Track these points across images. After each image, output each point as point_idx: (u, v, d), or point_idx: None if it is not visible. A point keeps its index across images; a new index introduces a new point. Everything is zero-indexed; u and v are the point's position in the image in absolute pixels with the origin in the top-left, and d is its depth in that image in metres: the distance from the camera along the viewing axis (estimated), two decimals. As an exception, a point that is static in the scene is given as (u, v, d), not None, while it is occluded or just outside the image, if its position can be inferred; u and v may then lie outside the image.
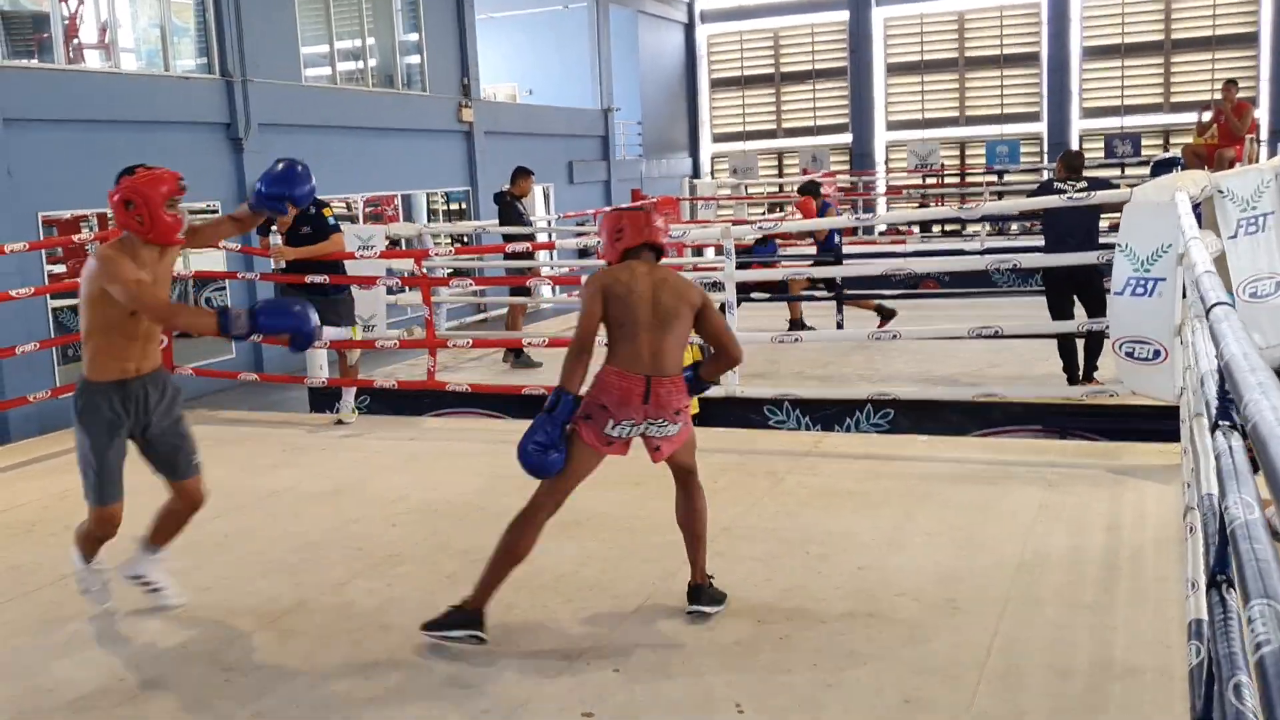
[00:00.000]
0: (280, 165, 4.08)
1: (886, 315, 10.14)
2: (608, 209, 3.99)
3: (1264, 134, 23.11)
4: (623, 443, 3.93)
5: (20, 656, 3.91)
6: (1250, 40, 26.65)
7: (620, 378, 3.86)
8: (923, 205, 23.18)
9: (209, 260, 14.91)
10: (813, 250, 11.99)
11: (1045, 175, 23.91)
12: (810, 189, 11.50)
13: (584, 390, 3.91)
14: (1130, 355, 5.64)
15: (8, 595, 4.49)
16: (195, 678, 3.66)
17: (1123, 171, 20.73)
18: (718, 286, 7.30)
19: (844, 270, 9.75)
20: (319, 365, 8.27)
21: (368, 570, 4.58)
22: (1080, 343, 7.33)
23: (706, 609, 3.96)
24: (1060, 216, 7.13)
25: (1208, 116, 13.52)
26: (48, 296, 13.91)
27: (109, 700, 3.53)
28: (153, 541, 4.14)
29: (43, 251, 13.80)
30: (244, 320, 3.71)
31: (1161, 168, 11.95)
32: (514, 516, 3.89)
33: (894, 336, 7.38)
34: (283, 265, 7.50)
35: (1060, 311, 7.27)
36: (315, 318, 3.87)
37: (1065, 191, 6.91)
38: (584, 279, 4.23)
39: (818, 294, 10.23)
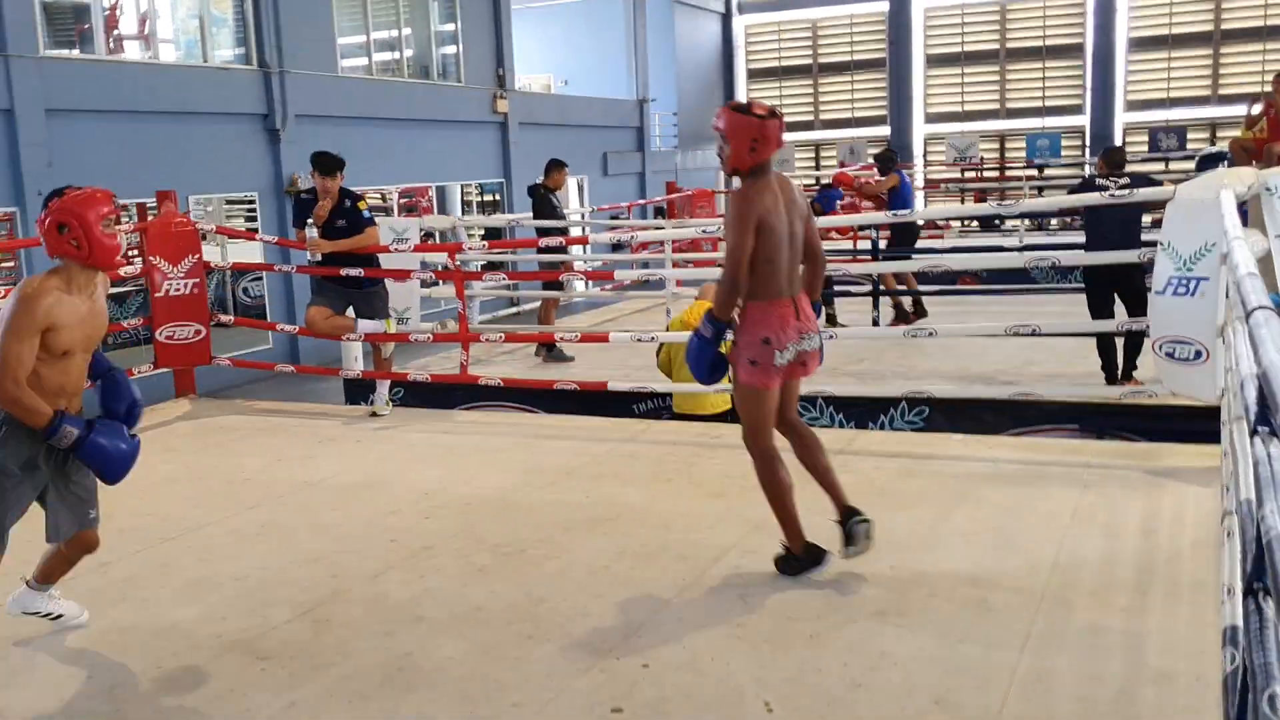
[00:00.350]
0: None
1: (902, 316, 10.09)
2: (728, 107, 4.03)
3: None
4: (787, 369, 4.09)
5: (58, 642, 3.96)
6: (1303, 31, 26.25)
7: (772, 305, 4.01)
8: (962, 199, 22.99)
9: (246, 252, 15.06)
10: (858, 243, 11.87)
11: (1087, 170, 23.73)
12: (888, 160, 11.25)
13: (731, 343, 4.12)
14: (1171, 356, 5.58)
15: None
16: (231, 666, 3.70)
17: (1166, 166, 20.48)
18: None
19: (879, 267, 9.71)
20: (354, 357, 8.32)
21: (402, 562, 4.62)
22: (1120, 342, 7.26)
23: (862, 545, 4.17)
24: (1101, 214, 7.06)
25: (1257, 109, 13.28)
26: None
27: (146, 688, 3.57)
28: (42, 581, 3.96)
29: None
30: (71, 438, 3.55)
31: (1208, 162, 11.77)
32: (755, 466, 4.15)
33: (930, 334, 7.33)
34: (318, 258, 7.55)
35: (1100, 310, 7.20)
36: (127, 468, 3.72)
37: (1107, 188, 6.84)
38: (730, 199, 4.08)
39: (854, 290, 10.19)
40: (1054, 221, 21.24)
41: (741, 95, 32.13)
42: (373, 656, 3.73)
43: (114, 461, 3.67)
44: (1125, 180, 7.02)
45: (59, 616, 4.03)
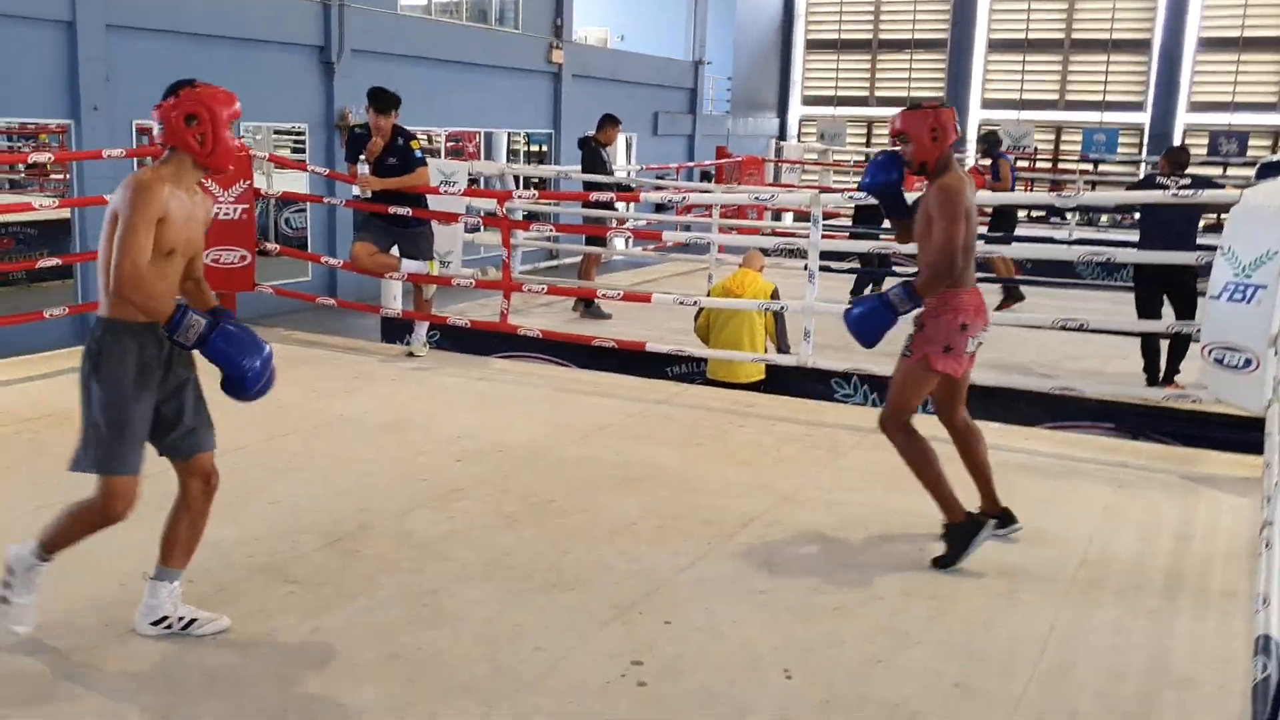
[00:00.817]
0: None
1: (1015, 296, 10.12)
2: (905, 108, 4.32)
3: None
4: (968, 358, 4.25)
5: (93, 549, 4.02)
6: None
7: (971, 294, 4.19)
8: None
9: (295, 182, 15.10)
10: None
11: (1142, 169, 23.40)
12: (994, 142, 11.14)
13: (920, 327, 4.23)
14: (1220, 362, 5.50)
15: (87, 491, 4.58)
16: (260, 587, 3.75)
17: (1224, 171, 20.17)
18: (800, 254, 7.23)
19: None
20: (394, 296, 8.35)
21: (431, 502, 4.65)
22: (1165, 343, 7.17)
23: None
24: (1159, 213, 6.96)
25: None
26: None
27: (174, 603, 3.62)
28: (168, 563, 3.43)
29: (134, 160, 14.03)
30: (195, 331, 3.16)
31: (1269, 170, 11.59)
32: (897, 446, 4.23)
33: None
34: (368, 194, 7.56)
35: (1148, 309, 7.11)
36: (265, 383, 3.31)
37: (1168, 188, 6.74)
38: (935, 190, 4.14)
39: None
40: (1104, 218, 20.99)
41: (798, 66, 31.82)
42: (398, 591, 3.77)
43: (244, 354, 3.22)
44: (1187, 181, 6.91)
45: (195, 620, 3.45)
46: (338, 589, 3.76)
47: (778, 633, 3.56)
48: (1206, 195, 6.58)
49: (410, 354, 7.58)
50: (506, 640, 3.44)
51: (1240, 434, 5.69)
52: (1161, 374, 7.16)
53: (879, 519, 4.62)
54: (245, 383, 3.25)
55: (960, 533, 4.13)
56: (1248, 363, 5.37)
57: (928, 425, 4.34)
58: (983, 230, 11.35)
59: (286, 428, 5.69)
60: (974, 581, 4.01)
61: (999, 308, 9.87)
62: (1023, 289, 10.98)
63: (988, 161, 11.21)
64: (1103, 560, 4.26)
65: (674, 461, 5.27)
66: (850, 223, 10.99)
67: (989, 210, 10.20)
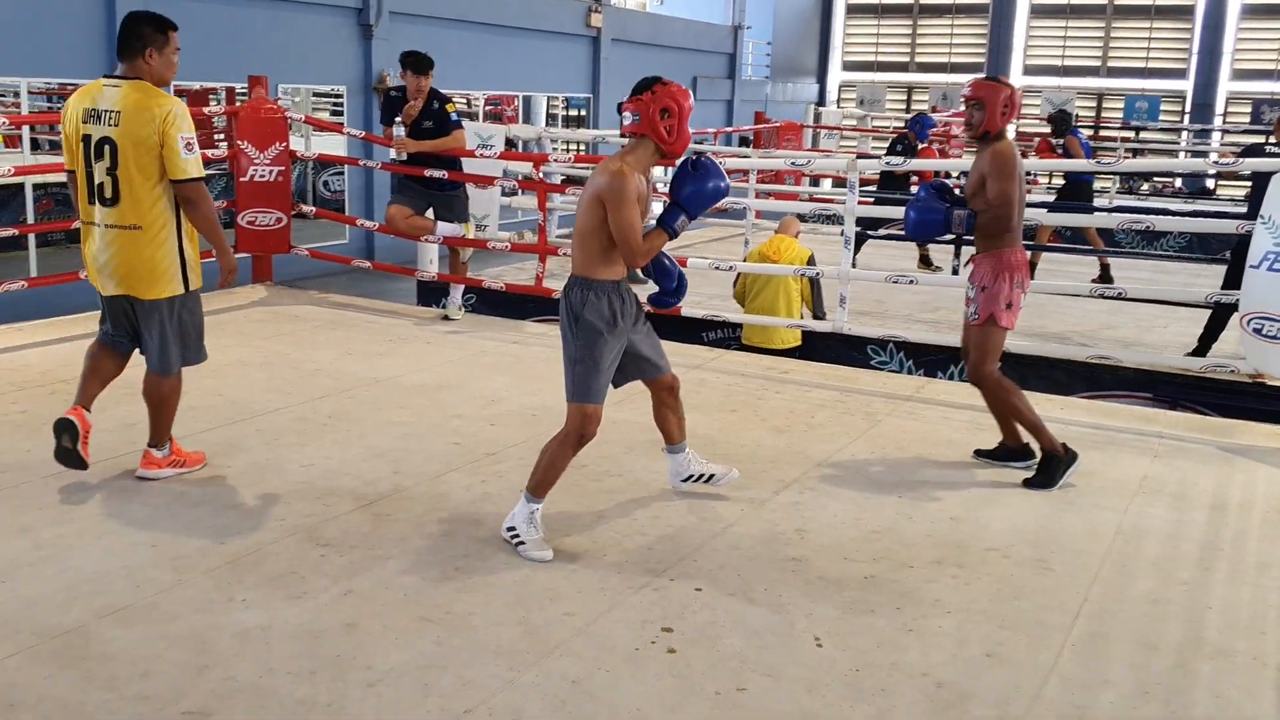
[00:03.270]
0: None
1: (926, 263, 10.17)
2: (981, 78, 4.74)
3: None
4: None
5: (127, 509, 4.08)
6: None
7: (1019, 253, 4.64)
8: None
9: (333, 144, 15.13)
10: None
11: (1184, 136, 23.03)
12: (1064, 121, 11.09)
13: (989, 281, 4.66)
14: (1259, 332, 5.43)
15: (119, 451, 4.66)
16: (292, 549, 3.78)
17: (1267, 139, 19.78)
18: (836, 219, 7.17)
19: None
20: (429, 259, 8.36)
21: (465, 465, 4.67)
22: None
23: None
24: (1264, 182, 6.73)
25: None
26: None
27: (208, 561, 3.67)
28: (673, 443, 4.38)
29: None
30: (684, 220, 3.94)
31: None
32: (987, 397, 4.77)
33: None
34: (404, 156, 7.56)
35: (1237, 282, 6.95)
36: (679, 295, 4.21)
37: (1278, 155, 6.49)
38: (992, 154, 4.59)
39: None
40: (1145, 186, 20.69)
41: (839, 32, 31.49)
42: (430, 554, 3.79)
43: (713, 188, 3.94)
44: None
45: (712, 475, 4.42)
46: (370, 551, 3.79)
47: (810, 599, 3.56)
48: None
49: (445, 317, 7.61)
50: (537, 604, 3.46)
51: (1277, 405, 5.62)
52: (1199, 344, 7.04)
53: (911, 487, 4.60)
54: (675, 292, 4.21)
55: (1059, 464, 4.62)
56: (1289, 333, 5.29)
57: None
58: (1048, 199, 11.33)
59: (320, 390, 5.73)
60: (1005, 551, 3.99)
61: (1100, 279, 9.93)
62: (1060, 257, 10.90)
63: (1059, 141, 11.06)
64: (1137, 531, 4.23)
65: (708, 427, 5.26)
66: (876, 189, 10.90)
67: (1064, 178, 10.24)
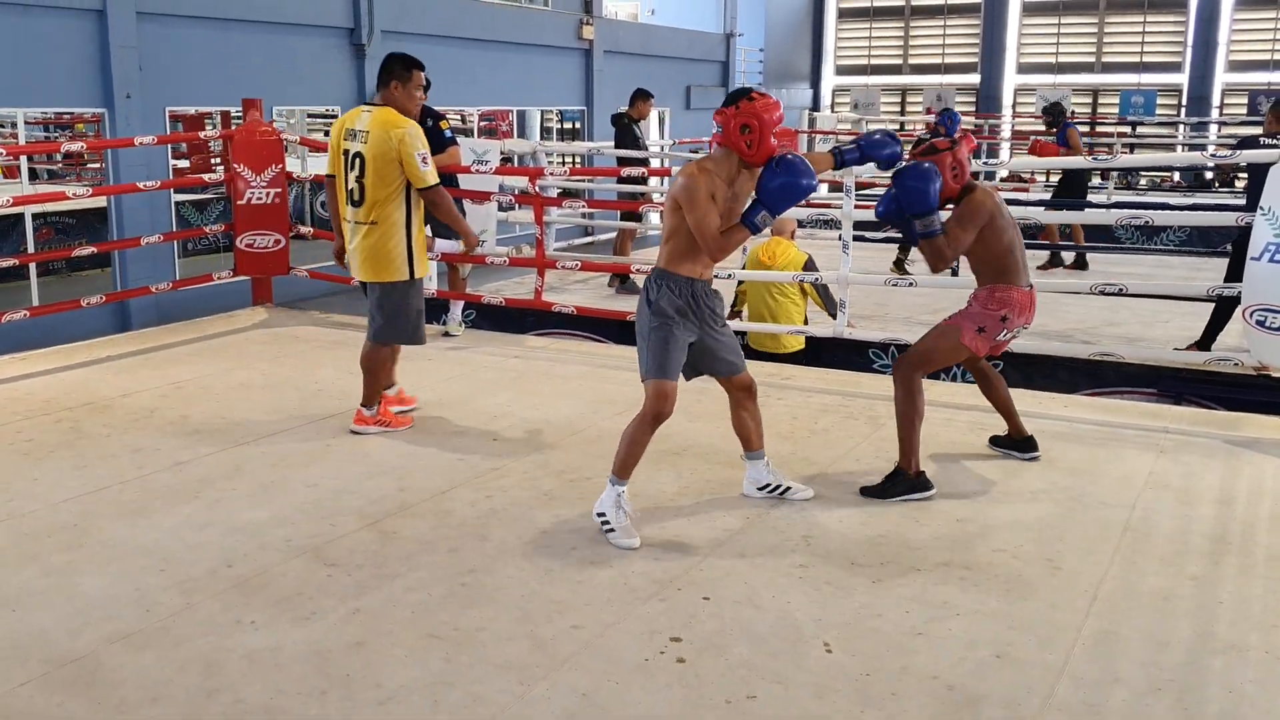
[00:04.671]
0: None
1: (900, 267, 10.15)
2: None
3: None
4: (1001, 345, 4.72)
5: (135, 534, 4.07)
6: None
7: (1021, 293, 4.62)
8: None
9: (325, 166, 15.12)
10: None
11: (1181, 130, 23.02)
12: (1060, 112, 11.05)
13: (972, 308, 4.67)
14: (1262, 324, 5.42)
15: (126, 477, 4.67)
16: (299, 570, 3.78)
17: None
18: (833, 224, 7.18)
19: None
20: (429, 277, 8.35)
21: (469, 481, 4.66)
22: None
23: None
24: (1263, 173, 6.73)
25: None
26: (172, 190, 14.30)
27: (214, 585, 3.66)
28: (752, 449, 4.46)
29: (169, 146, 14.16)
30: (766, 223, 4.05)
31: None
32: (898, 390, 4.58)
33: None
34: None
35: (1239, 275, 6.94)
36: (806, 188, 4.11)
37: (1276, 147, 6.47)
38: (968, 201, 4.59)
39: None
40: (1143, 181, 20.69)
41: (830, 35, 31.54)
42: (437, 571, 3.78)
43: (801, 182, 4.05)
44: None
45: (789, 489, 4.48)
46: (377, 570, 3.79)
47: (818, 605, 3.55)
48: None
49: (446, 333, 7.61)
50: (544, 618, 3.45)
51: (1283, 397, 5.61)
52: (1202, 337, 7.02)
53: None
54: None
55: (904, 483, 4.48)
56: (1291, 324, 5.28)
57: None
58: (1044, 197, 11.29)
59: (323, 410, 5.73)
60: (1013, 551, 3.97)
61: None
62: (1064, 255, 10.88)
63: (1054, 130, 11.05)
64: (1145, 527, 4.21)
65: (711, 435, 5.25)
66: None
67: (1058, 174, 10.23)
